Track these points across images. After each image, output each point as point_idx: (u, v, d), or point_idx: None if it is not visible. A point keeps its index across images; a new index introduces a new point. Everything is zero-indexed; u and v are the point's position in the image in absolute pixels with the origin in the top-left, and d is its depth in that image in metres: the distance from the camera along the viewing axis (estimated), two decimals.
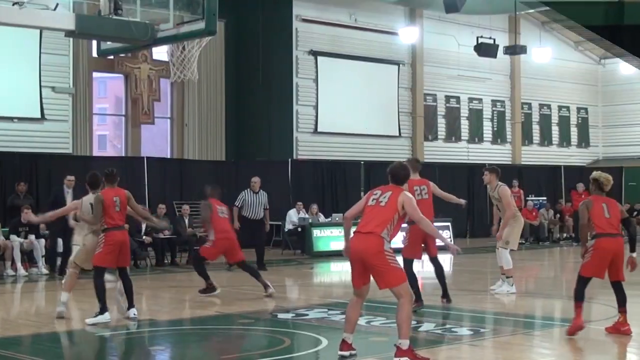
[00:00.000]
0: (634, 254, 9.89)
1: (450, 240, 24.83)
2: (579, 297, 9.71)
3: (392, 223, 8.23)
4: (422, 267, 18.18)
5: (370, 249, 8.13)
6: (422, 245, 11.98)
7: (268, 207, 19.05)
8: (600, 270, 9.73)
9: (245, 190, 18.68)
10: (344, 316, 11.16)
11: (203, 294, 13.75)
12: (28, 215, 14.03)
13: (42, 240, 18.04)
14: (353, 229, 8.50)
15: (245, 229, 18.40)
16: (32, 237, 17.78)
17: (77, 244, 15.13)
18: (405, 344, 8.02)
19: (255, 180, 18.74)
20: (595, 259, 9.64)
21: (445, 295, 12.59)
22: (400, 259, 9.20)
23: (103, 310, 10.84)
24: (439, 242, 11.03)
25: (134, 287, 11.33)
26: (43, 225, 17.62)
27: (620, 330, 9.76)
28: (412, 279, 12.05)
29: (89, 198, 11.41)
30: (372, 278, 8.37)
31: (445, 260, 21.19)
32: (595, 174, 10.11)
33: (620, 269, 9.78)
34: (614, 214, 9.78)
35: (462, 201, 13.80)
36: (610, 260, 9.66)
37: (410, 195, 8.50)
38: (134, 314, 11.16)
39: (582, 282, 9.76)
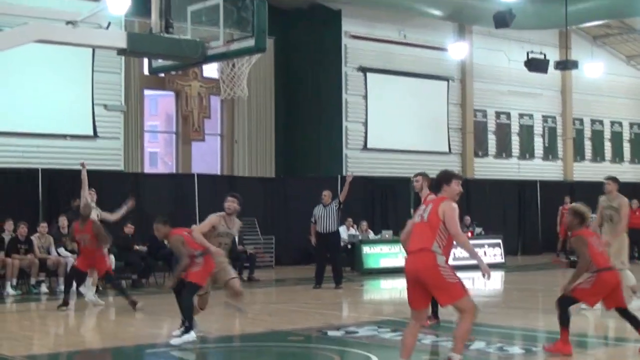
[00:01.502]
0: None
1: (502, 257, 24.71)
2: (565, 321, 9.47)
3: (441, 235, 7.91)
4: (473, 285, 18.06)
5: (424, 265, 7.85)
6: None
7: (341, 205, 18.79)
8: (594, 300, 9.62)
9: (318, 205, 18.58)
10: (394, 334, 11.15)
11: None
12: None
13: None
14: None
15: (320, 243, 18.43)
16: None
17: None
18: (456, 357, 7.91)
19: (325, 193, 18.54)
20: (595, 289, 9.43)
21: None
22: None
23: (189, 328, 10.68)
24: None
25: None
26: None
27: None
28: None
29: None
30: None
31: (496, 277, 21.05)
32: (577, 206, 9.76)
33: (621, 295, 9.61)
34: (602, 247, 9.62)
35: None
36: (610, 292, 9.48)
37: (454, 206, 8.04)
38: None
39: (568, 304, 9.52)
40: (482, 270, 8.16)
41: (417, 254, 7.97)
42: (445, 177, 8.32)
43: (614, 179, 14.12)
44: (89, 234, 15.06)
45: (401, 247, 8.75)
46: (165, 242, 12.40)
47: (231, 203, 11.26)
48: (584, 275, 9.51)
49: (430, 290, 7.95)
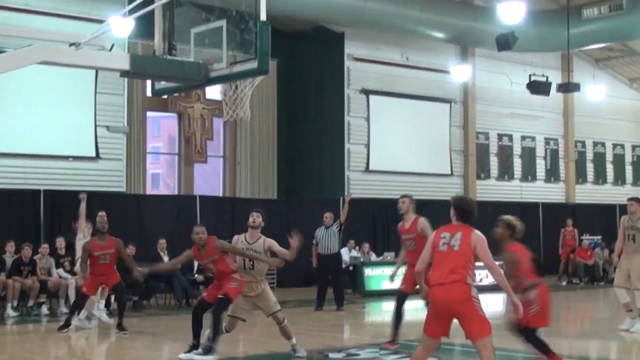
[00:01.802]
0: None
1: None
2: (547, 349, 9.35)
3: (472, 266, 7.78)
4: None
5: (459, 298, 7.65)
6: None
7: (342, 227, 18.75)
8: (548, 319, 9.43)
9: (319, 227, 18.64)
10: (396, 356, 11.11)
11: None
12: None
13: None
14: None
15: (322, 265, 18.42)
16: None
17: None
18: None
19: (327, 215, 18.64)
20: (544, 307, 9.35)
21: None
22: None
23: (211, 348, 10.87)
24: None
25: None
26: None
27: None
28: (399, 315, 11.95)
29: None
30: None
31: (499, 299, 20.96)
32: (509, 218, 9.57)
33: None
34: (529, 260, 9.45)
35: None
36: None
37: (482, 236, 7.94)
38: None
39: (532, 334, 9.38)
40: (514, 308, 8.19)
41: (450, 286, 7.70)
42: (475, 209, 8.25)
43: (637, 200, 14.28)
44: (112, 249, 14.94)
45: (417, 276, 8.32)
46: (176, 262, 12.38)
47: (256, 217, 11.49)
48: (519, 296, 9.39)
49: (461, 321, 7.74)
